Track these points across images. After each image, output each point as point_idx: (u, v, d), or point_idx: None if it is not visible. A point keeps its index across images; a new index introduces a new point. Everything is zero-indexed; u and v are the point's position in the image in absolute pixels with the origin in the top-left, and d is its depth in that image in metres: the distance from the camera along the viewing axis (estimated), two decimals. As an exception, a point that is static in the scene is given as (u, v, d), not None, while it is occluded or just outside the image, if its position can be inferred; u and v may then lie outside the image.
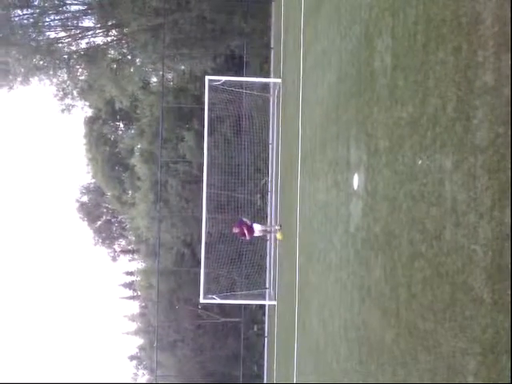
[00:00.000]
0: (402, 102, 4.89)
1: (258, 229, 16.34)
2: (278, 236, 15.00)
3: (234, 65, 26.03)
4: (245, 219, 16.30)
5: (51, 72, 26.91)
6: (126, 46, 27.47)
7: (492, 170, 3.22)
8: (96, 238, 36.56)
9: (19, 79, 26.79)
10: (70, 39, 27.33)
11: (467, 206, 3.50)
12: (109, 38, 27.95)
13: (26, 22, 25.67)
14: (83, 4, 27.42)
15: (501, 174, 3.12)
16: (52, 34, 26.95)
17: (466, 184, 3.54)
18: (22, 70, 26.10)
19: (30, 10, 25.90)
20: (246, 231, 15.66)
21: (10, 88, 27.09)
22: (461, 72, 3.67)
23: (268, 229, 18.05)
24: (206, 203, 17.52)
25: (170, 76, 29.20)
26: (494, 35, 3.26)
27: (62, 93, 28.36)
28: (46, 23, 26.64)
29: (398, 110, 4.99)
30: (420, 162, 4.37)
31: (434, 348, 3.92)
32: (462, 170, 3.59)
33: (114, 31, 27.77)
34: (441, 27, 4.03)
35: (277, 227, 15.62)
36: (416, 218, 4.43)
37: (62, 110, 28.95)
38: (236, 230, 16.01)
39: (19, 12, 25.53)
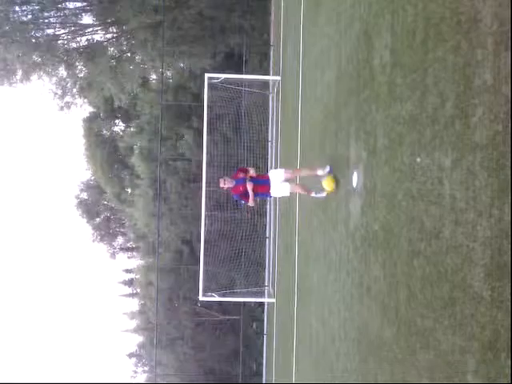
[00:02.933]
0: (401, 99, 4.89)
1: (278, 177, 8.50)
2: (327, 184, 7.73)
3: (234, 62, 25.98)
4: (251, 170, 8.66)
5: (50, 69, 26.88)
6: (125, 43, 27.43)
7: (491, 167, 3.22)
8: (95, 235, 36.55)
9: (18, 76, 26.77)
10: (69, 36, 27.29)
11: (466, 204, 3.50)
12: (108, 36, 27.92)
13: (25, 18, 25.63)
14: (82, 1, 27.37)
15: (500, 171, 3.12)
16: (51, 31, 26.92)
17: (464, 182, 3.54)
18: (21, 67, 26.07)
19: (28, 7, 25.85)
20: (248, 187, 8.30)
21: (10, 85, 27.06)
22: (460, 70, 3.66)
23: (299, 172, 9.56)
24: (205, 201, 17.52)
25: (169, 73, 29.16)
26: (493, 33, 3.25)
27: (61, 90, 28.33)
28: (46, 20, 26.60)
29: (397, 108, 4.99)
30: (419, 160, 4.37)
31: (433, 346, 3.92)
32: (461, 168, 3.59)
33: (113, 28, 27.73)
34: (440, 25, 4.03)
35: (321, 172, 8.02)
36: (415, 216, 4.43)
37: (62, 108, 28.93)
38: (227, 185, 8.53)
39: (18, 8, 25.48)
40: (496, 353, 3.06)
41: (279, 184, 8.50)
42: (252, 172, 8.54)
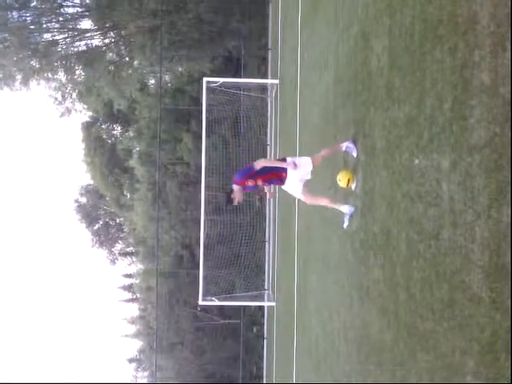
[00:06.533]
0: (399, 102, 4.90)
1: (304, 168, 7.04)
2: (342, 179, 6.67)
3: (232, 66, 26.06)
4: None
5: (49, 74, 26.92)
6: (123, 47, 27.47)
7: (489, 169, 3.22)
8: (94, 241, 36.52)
9: (17, 81, 26.79)
10: (67, 41, 27.33)
11: (464, 206, 3.51)
12: (106, 40, 27.96)
13: (23, 24, 25.67)
14: (81, 6, 27.42)
15: (498, 173, 3.12)
16: (49, 37, 26.97)
17: (463, 183, 3.54)
18: (20, 72, 26.11)
19: (27, 12, 25.90)
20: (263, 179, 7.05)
21: (9, 90, 27.09)
22: (457, 72, 3.67)
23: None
24: (205, 205, 17.51)
25: (167, 78, 29.21)
26: (490, 35, 3.26)
27: (60, 95, 28.37)
28: (44, 25, 26.64)
29: (395, 110, 5.00)
30: (417, 162, 4.38)
31: (433, 348, 3.92)
32: (459, 170, 3.59)
33: (111, 33, 27.78)
34: (437, 27, 4.04)
35: (344, 146, 6.82)
36: (414, 218, 4.43)
37: (61, 112, 28.97)
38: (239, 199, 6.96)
39: (16, 14, 25.52)
40: (495, 354, 3.06)
41: (297, 180, 7.04)
42: (260, 183, 7.02)
